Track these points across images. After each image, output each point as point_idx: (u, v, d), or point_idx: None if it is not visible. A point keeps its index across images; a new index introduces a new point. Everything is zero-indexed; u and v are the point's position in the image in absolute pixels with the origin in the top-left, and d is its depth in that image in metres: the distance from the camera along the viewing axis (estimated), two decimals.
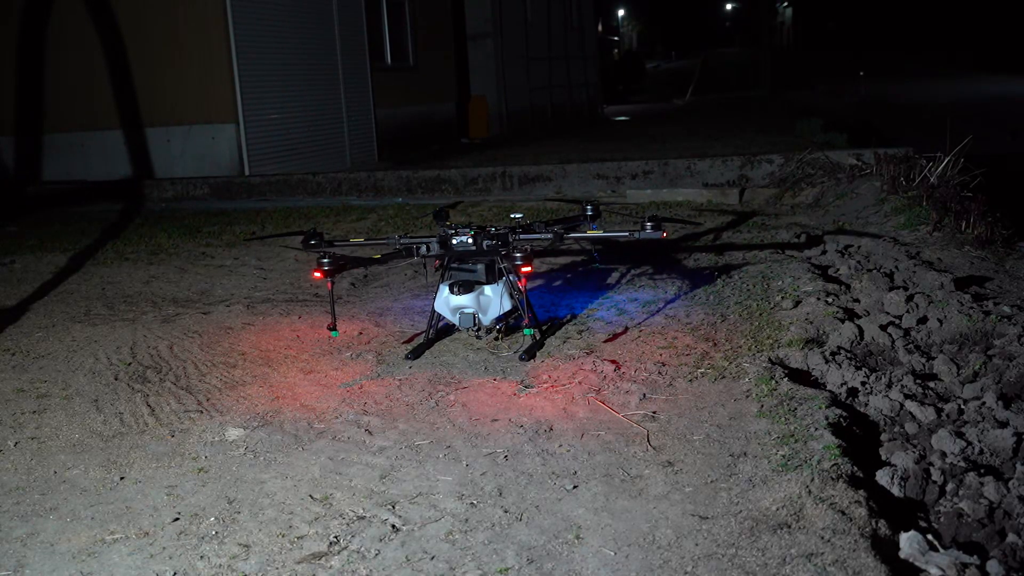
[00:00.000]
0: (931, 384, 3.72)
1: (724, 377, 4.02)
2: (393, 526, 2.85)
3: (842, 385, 3.76)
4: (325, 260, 4.33)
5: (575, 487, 3.05)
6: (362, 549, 2.73)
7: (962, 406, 3.45)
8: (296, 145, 14.17)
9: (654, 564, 2.55)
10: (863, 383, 3.74)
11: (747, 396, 3.75)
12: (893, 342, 4.20)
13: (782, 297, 5.08)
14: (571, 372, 4.18)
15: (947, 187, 7.43)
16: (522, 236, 4.57)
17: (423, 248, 4.61)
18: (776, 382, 3.77)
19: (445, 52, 19.45)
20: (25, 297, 6.39)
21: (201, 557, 2.73)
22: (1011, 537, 2.56)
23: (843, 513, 2.64)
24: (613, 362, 4.27)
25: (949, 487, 2.88)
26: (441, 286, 4.54)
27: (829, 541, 2.53)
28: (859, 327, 4.32)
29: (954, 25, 54.05)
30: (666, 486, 3.02)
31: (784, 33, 72.13)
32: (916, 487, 2.90)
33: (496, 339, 4.71)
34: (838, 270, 5.62)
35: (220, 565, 2.68)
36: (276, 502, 3.06)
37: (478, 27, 20.96)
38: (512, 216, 5.28)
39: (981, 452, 3.08)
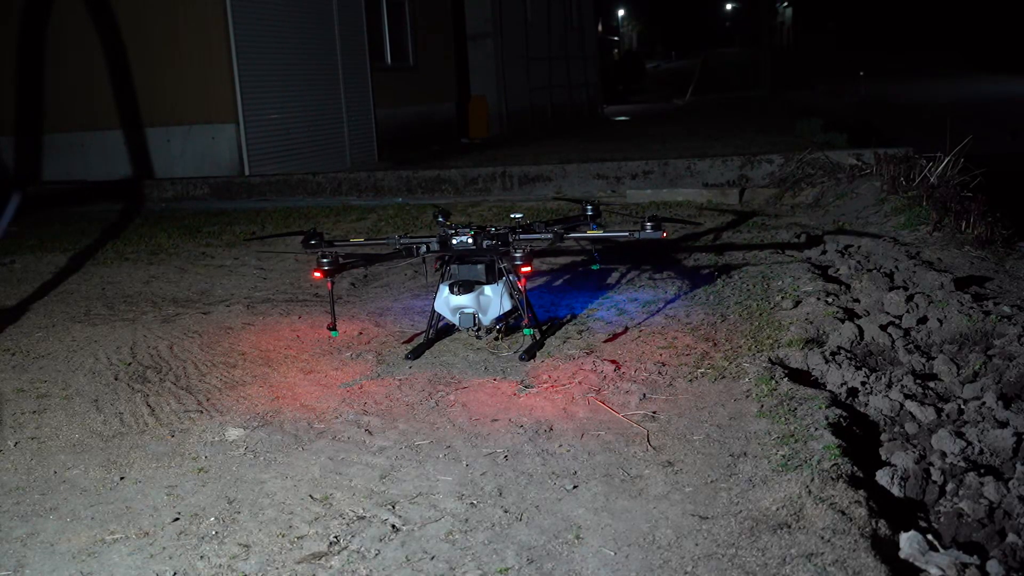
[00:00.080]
0: (931, 384, 3.72)
1: (724, 377, 4.02)
2: (393, 526, 2.85)
3: (842, 385, 3.76)
4: (325, 260, 4.34)
5: (575, 487, 3.05)
6: (362, 549, 2.73)
7: (962, 406, 3.44)
8: (296, 145, 14.17)
9: (654, 564, 2.56)
10: (863, 383, 3.74)
11: (747, 396, 3.75)
12: (893, 342, 4.20)
13: (782, 297, 5.08)
14: (571, 372, 4.18)
15: (947, 187, 7.43)
16: (522, 236, 4.57)
17: (423, 248, 4.61)
18: (776, 382, 3.77)
19: (445, 52, 19.46)
20: (25, 297, 6.40)
21: (201, 557, 2.73)
22: (1011, 537, 2.56)
23: (843, 513, 2.64)
24: (613, 362, 4.27)
25: (949, 487, 2.88)
26: (441, 286, 4.54)
27: (829, 541, 2.53)
28: (859, 327, 4.32)
29: (954, 25, 54.06)
30: (666, 486, 3.02)
31: (784, 33, 72.01)
32: (916, 487, 2.90)
33: (496, 339, 4.71)
34: (838, 270, 5.62)
35: (220, 565, 2.68)
36: (276, 502, 3.06)
37: (478, 27, 20.96)
38: (512, 216, 5.28)
39: (981, 452, 3.08)
